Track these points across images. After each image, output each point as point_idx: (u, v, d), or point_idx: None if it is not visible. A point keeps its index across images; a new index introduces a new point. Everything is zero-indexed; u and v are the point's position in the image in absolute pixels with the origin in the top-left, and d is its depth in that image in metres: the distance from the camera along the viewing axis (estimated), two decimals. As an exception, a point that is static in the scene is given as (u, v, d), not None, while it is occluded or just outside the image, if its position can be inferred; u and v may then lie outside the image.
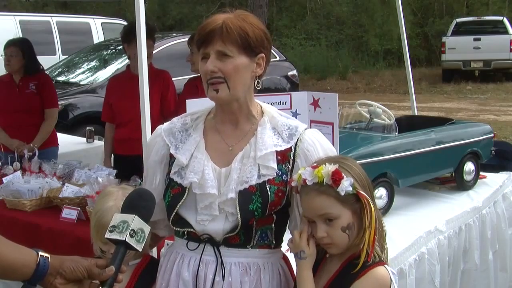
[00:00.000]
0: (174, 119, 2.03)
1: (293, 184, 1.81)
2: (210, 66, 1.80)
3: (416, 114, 5.05)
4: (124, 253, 1.61)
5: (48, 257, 1.56)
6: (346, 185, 1.73)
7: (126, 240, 1.59)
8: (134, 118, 4.29)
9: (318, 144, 1.91)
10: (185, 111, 2.43)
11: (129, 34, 4.34)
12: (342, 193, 1.73)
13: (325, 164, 1.76)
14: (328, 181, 1.73)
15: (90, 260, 1.61)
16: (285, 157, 1.88)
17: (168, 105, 4.45)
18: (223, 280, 1.84)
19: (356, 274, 1.75)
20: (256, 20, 1.86)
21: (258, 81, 1.91)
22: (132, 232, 1.60)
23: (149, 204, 1.73)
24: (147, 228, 1.64)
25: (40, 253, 1.56)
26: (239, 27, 1.80)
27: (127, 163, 4.14)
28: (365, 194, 1.76)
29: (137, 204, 1.69)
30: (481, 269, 3.56)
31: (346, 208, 1.75)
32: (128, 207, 1.68)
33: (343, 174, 1.74)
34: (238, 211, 1.81)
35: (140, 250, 1.65)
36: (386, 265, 1.80)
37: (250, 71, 1.86)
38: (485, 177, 3.99)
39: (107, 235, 1.62)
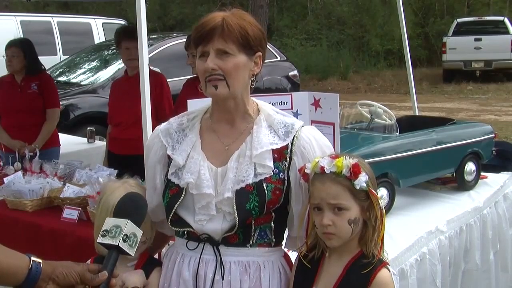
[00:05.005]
0: (171, 119, 2.02)
1: (306, 171, 1.81)
2: (211, 63, 1.79)
3: (417, 114, 5.05)
4: (117, 257, 1.62)
5: (40, 263, 1.55)
6: (362, 180, 1.77)
7: (119, 245, 1.59)
8: (125, 119, 4.32)
9: (314, 141, 1.90)
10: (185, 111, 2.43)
11: (120, 37, 4.39)
12: (357, 187, 1.76)
13: (345, 157, 1.79)
14: (347, 172, 1.76)
15: (83, 265, 1.61)
16: (281, 155, 1.88)
17: (162, 110, 4.29)
18: (223, 279, 1.84)
19: (364, 280, 1.77)
20: (253, 19, 1.87)
21: (253, 80, 1.90)
22: (125, 237, 1.60)
23: (142, 209, 1.73)
24: (139, 233, 1.65)
25: (32, 258, 1.55)
26: (239, 26, 1.80)
27: (120, 162, 4.19)
28: (375, 193, 1.80)
29: (130, 208, 1.69)
30: (482, 269, 3.56)
31: (356, 203, 1.78)
32: (121, 211, 1.68)
33: (361, 169, 1.77)
34: (235, 210, 1.80)
35: (133, 255, 1.65)
36: (388, 265, 1.83)
37: (248, 70, 1.86)
38: (486, 177, 3.99)
39: (100, 239, 1.62)
